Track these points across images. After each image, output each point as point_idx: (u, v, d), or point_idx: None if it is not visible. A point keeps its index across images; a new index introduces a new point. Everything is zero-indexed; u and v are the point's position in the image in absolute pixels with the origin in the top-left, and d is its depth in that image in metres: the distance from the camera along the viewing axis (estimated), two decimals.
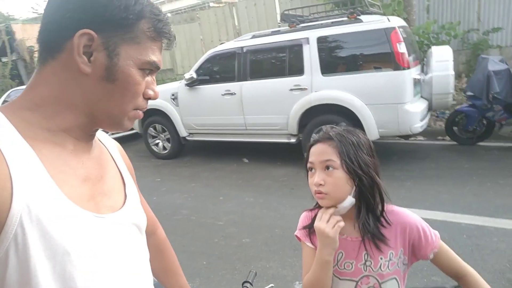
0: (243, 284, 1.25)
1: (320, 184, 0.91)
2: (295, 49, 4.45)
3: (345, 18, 4.33)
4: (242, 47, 4.83)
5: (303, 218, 1.07)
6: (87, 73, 0.57)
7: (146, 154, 5.98)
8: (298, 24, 4.60)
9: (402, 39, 3.89)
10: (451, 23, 6.42)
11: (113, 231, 0.61)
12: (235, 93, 4.87)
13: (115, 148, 0.76)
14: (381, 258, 0.93)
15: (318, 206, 1.01)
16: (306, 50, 4.36)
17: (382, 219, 0.94)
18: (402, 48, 3.86)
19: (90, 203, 0.59)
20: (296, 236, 1.05)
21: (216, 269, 2.75)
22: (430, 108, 4.55)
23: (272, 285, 1.29)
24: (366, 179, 0.91)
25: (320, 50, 4.29)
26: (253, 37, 4.93)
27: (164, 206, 3.99)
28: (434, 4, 7.04)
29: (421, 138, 5.60)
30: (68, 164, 0.59)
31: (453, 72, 4.27)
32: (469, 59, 6.49)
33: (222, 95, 4.95)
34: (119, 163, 0.73)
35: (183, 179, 4.87)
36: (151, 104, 5.57)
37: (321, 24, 4.48)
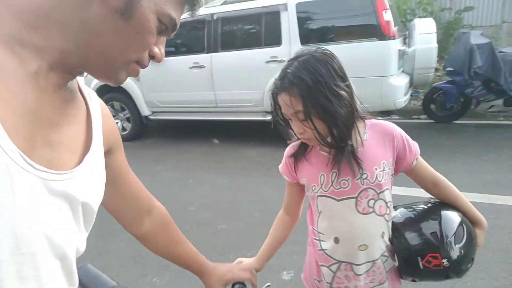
0: (233, 285, 0.99)
1: (302, 134, 0.92)
2: (272, 17, 4.05)
3: None
4: (212, 14, 4.34)
5: (288, 149, 1.06)
6: None
7: None
8: None
9: (388, 6, 3.62)
10: None
11: (34, 190, 0.45)
12: (204, 66, 4.40)
13: (97, 106, 0.62)
14: (376, 169, 0.94)
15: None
16: (284, 17, 3.97)
17: (367, 135, 0.95)
18: (388, 16, 3.60)
19: (24, 140, 0.44)
20: (279, 169, 1.09)
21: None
22: (411, 84, 4.37)
23: (269, 284, 1.03)
24: (333, 116, 0.87)
25: (299, 18, 3.93)
26: (224, 3, 4.46)
27: None
28: None
29: (396, 116, 5.48)
30: (21, 85, 0.45)
31: (436, 45, 4.08)
32: (441, 39, 6.43)
33: (190, 68, 4.46)
34: (95, 124, 0.60)
35: (147, 161, 4.36)
36: None
37: None
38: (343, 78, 0.89)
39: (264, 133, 4.81)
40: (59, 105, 0.52)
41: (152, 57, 0.56)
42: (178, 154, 4.54)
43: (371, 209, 0.95)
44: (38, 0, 0.48)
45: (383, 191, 0.95)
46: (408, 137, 0.99)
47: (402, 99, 3.84)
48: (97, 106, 0.63)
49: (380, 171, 0.94)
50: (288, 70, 0.89)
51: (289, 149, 1.05)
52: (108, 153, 0.68)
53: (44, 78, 0.49)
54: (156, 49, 0.56)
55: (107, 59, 0.52)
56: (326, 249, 1.00)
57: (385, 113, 5.44)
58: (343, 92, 0.87)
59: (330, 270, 1.02)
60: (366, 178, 0.93)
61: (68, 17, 0.49)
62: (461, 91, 4.45)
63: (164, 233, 0.86)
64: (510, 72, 4.07)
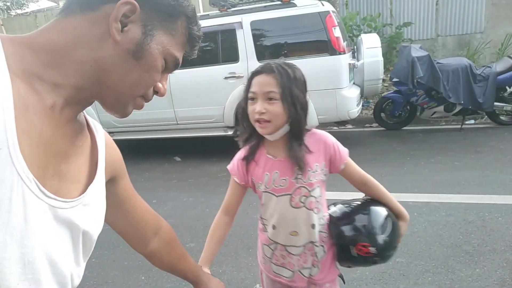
0: None
1: (262, 113, 1.02)
2: (228, 34, 4.14)
3: (278, 2, 4.16)
4: None
5: (239, 153, 1.18)
6: (115, 40, 0.53)
7: None
8: (229, 8, 4.30)
9: (336, 23, 3.85)
10: (371, 15, 6.77)
11: (43, 216, 0.48)
12: None
13: (102, 138, 0.67)
14: (309, 170, 1.09)
15: (250, 142, 1.15)
16: (240, 35, 4.08)
17: (305, 142, 1.10)
18: (337, 32, 3.82)
19: (38, 169, 0.48)
20: (228, 168, 1.20)
21: (158, 284, 2.30)
22: (361, 95, 4.64)
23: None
24: (297, 115, 1.03)
25: (254, 35, 4.06)
26: None
27: None
28: (353, 0, 7.40)
29: (350, 126, 5.77)
30: (38, 117, 0.49)
31: (382, 58, 4.39)
32: (385, 52, 6.91)
33: None
34: (100, 156, 0.64)
35: None
36: None
37: (254, 8, 4.24)
38: (306, 88, 1.09)
39: (227, 149, 4.84)
40: (69, 137, 0.56)
41: (156, 92, 0.62)
42: (139, 174, 4.40)
43: (302, 204, 1.11)
44: (56, 41, 0.52)
45: (313, 189, 1.11)
46: (339, 145, 1.16)
47: (355, 110, 4.06)
48: (102, 138, 0.67)
49: (312, 172, 1.10)
50: (272, 63, 1.04)
51: (241, 153, 1.19)
52: (113, 180, 0.71)
53: (58, 112, 0.53)
54: (160, 85, 0.61)
55: (117, 94, 0.57)
56: (268, 232, 1.18)
57: (340, 123, 5.71)
58: (303, 97, 1.06)
59: (270, 248, 1.20)
60: (300, 178, 1.09)
61: (83, 57, 0.53)
62: (407, 99, 4.80)
63: (169, 250, 0.90)
64: (447, 81, 4.47)
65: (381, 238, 1.11)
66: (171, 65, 0.61)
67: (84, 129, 0.62)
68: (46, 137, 0.50)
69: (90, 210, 0.58)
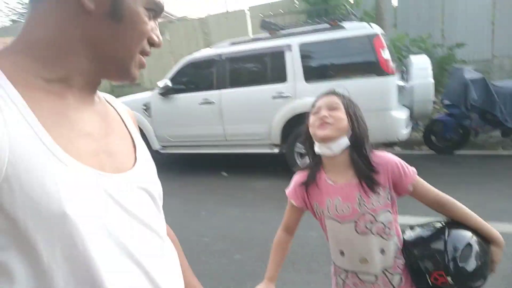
0: None
1: (326, 116, 1.04)
2: (277, 56, 4.32)
3: (327, 26, 4.28)
4: (220, 54, 4.62)
5: (297, 177, 1.18)
6: (89, 9, 0.51)
7: None
8: (279, 31, 4.49)
9: (385, 45, 3.88)
10: (421, 36, 6.66)
11: (119, 192, 0.54)
12: (214, 102, 4.61)
13: (125, 110, 0.70)
14: (371, 196, 1.05)
15: (309, 167, 1.16)
16: (288, 57, 4.24)
17: (371, 162, 1.07)
18: (386, 54, 3.85)
19: (93, 159, 0.53)
20: (286, 192, 1.20)
21: None
22: (411, 117, 4.56)
23: None
24: (360, 127, 1.07)
25: (303, 56, 4.19)
26: (232, 44, 4.75)
27: None
28: (402, 20, 7.34)
29: (399, 148, 5.63)
30: (66, 117, 0.52)
31: (433, 80, 4.32)
32: (435, 73, 6.73)
33: (200, 104, 4.68)
34: (129, 125, 0.67)
35: None
36: None
37: (303, 31, 4.40)
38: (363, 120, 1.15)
39: (271, 165, 4.95)
40: (101, 119, 0.60)
41: (152, 44, 0.60)
42: (188, 187, 4.64)
43: (368, 230, 1.06)
44: (41, 36, 0.52)
45: (379, 214, 1.06)
46: (404, 164, 1.08)
47: (404, 131, 4.01)
48: (123, 108, 0.70)
49: (376, 196, 1.05)
50: (338, 90, 1.15)
51: (299, 177, 1.17)
52: None
53: (82, 103, 0.56)
54: (154, 36, 0.59)
55: (117, 62, 0.57)
56: (335, 261, 1.16)
57: (388, 145, 5.61)
58: (363, 119, 1.12)
59: (341, 278, 1.15)
60: (364, 204, 1.05)
61: (71, 40, 0.53)
62: (459, 123, 4.64)
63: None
64: (505, 105, 4.28)
65: (458, 266, 0.99)
66: (156, 11, 0.59)
67: (107, 105, 0.64)
68: (84, 130, 0.54)
69: (148, 172, 0.63)
